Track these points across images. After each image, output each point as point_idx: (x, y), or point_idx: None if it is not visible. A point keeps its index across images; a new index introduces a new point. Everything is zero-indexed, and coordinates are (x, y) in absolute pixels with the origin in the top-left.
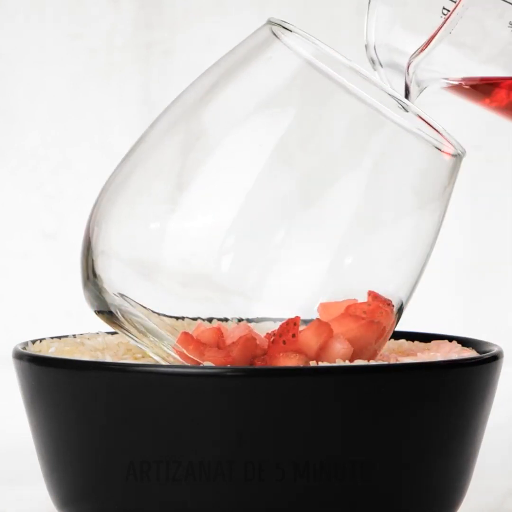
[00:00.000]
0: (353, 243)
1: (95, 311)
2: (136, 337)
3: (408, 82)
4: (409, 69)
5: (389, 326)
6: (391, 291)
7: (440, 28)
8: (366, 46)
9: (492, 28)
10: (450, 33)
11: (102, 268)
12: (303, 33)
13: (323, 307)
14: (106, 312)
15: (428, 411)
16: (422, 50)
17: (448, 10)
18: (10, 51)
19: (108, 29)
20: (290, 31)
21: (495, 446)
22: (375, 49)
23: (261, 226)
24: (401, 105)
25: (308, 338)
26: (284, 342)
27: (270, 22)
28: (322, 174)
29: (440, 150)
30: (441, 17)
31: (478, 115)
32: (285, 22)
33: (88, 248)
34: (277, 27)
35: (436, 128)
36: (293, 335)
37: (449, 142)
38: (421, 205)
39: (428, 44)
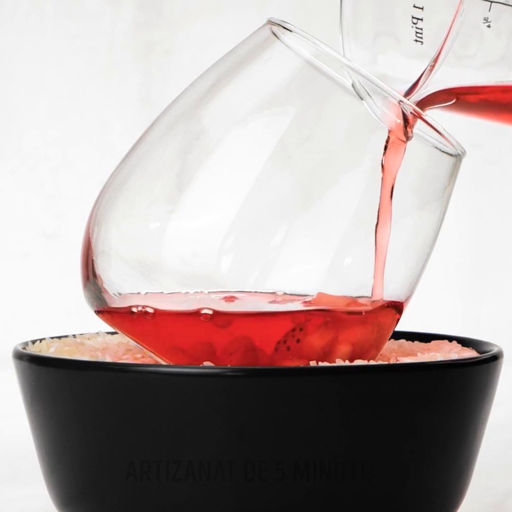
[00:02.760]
0: (353, 243)
1: (95, 311)
2: None
3: (406, 112)
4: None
5: (388, 326)
6: (391, 291)
7: (438, 54)
8: (352, 85)
9: (486, 31)
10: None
11: (102, 268)
12: (303, 33)
13: (320, 296)
14: (106, 312)
15: (428, 411)
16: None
17: (418, 19)
18: (10, 50)
19: (108, 29)
20: (290, 31)
21: (495, 446)
22: (361, 83)
23: (261, 226)
24: (401, 105)
25: (312, 342)
26: (288, 348)
27: (270, 22)
28: (322, 174)
29: (440, 150)
30: (412, 27)
31: None
32: (285, 22)
33: (88, 248)
34: (277, 27)
35: (436, 128)
36: (298, 341)
37: (449, 142)
38: (421, 205)
39: (429, 73)
